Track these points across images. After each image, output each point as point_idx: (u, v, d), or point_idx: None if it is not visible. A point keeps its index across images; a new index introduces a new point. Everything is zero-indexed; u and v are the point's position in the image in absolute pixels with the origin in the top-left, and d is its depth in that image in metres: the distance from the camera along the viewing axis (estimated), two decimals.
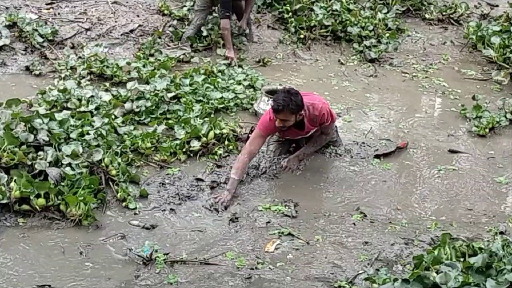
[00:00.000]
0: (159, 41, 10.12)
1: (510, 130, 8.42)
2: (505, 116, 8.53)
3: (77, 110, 7.82)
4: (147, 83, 8.64)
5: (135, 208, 6.47)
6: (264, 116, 7.04)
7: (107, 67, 9.03)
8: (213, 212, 6.53)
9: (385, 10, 11.39)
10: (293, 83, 9.38)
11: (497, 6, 12.12)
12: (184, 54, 9.85)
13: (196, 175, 7.03)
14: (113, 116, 7.67)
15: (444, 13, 11.77)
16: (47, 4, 10.50)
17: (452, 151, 7.91)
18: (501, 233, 6.27)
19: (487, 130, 8.28)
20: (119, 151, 7.02)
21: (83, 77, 8.89)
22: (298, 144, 7.50)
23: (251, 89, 8.98)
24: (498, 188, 7.21)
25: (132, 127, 7.64)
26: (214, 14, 10.46)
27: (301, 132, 7.17)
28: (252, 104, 8.58)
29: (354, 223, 6.45)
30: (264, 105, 8.18)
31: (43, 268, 5.59)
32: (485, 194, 7.10)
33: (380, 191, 7.07)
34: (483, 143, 8.14)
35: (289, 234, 6.20)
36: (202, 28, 10.20)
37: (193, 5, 10.49)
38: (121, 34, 10.19)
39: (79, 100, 8.05)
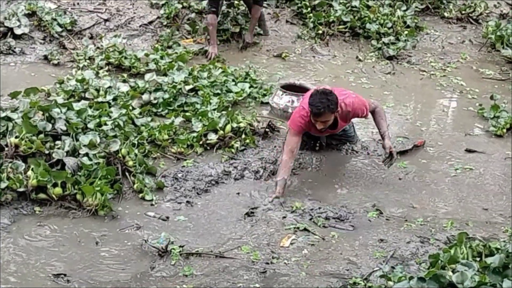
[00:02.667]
0: (177, 33, 10.14)
1: None
2: None
3: (95, 100, 7.86)
4: (165, 75, 8.67)
5: (151, 200, 6.49)
6: (295, 114, 6.98)
7: (125, 58, 9.07)
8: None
9: (404, 8, 11.34)
10: (311, 79, 9.39)
11: None
12: (201, 48, 9.87)
13: (212, 167, 7.05)
14: (130, 107, 7.69)
15: (463, 12, 11.70)
16: None
17: (469, 151, 7.88)
18: None
19: (504, 130, 8.24)
20: (136, 142, 7.04)
21: (101, 68, 8.92)
22: (316, 142, 7.47)
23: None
24: None
25: (149, 119, 7.66)
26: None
27: (334, 130, 7.16)
28: (264, 95, 8.62)
29: (369, 220, 6.43)
30: (278, 99, 8.18)
31: (58, 257, 5.61)
32: (502, 194, 7.07)
33: (396, 188, 7.05)
34: (500, 143, 8.11)
35: (305, 229, 6.19)
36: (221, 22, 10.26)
37: None
38: (140, 26, 10.22)
39: (97, 90, 8.09)
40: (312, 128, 6.94)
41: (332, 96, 6.67)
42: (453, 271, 4.84)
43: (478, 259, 5.22)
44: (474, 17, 11.67)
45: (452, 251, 5.24)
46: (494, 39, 10.72)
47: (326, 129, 6.93)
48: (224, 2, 10.30)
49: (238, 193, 6.75)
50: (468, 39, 11.18)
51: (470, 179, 7.31)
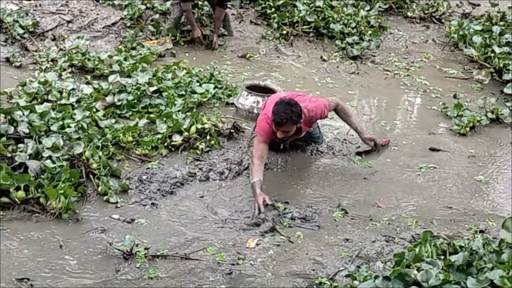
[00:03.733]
0: (140, 35, 10.09)
1: (491, 129, 8.48)
2: (485, 115, 8.58)
3: (58, 102, 7.78)
4: (129, 76, 8.61)
5: (116, 202, 6.43)
6: (261, 122, 6.97)
7: (89, 59, 9.00)
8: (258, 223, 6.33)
9: (367, 8, 11.43)
10: (276, 79, 9.40)
11: (478, 5, 12.20)
12: (166, 49, 9.84)
13: (177, 169, 7.02)
14: (94, 109, 7.62)
15: (426, 12, 11.83)
16: None
17: (432, 149, 7.93)
18: (481, 231, 6.30)
19: (467, 128, 8.32)
20: (100, 144, 6.98)
21: (64, 70, 8.85)
22: (279, 145, 7.48)
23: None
24: (478, 187, 7.23)
25: (113, 121, 7.60)
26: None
27: (298, 135, 7.19)
28: (229, 95, 8.64)
29: (335, 220, 6.45)
30: (244, 100, 8.17)
31: (22, 261, 5.53)
32: (465, 192, 7.12)
33: (361, 188, 7.07)
34: (464, 141, 8.18)
35: (270, 230, 6.19)
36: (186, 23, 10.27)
37: None
38: (103, 27, 10.15)
39: (60, 92, 8.01)
40: (275, 136, 6.98)
41: (297, 108, 6.72)
42: (418, 270, 4.86)
43: (442, 257, 5.26)
44: (437, 17, 11.80)
45: (417, 250, 5.27)
46: (457, 38, 10.83)
47: (288, 138, 7.00)
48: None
49: (202, 197, 6.71)
50: (431, 39, 11.28)
51: (434, 177, 7.36)
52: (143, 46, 9.73)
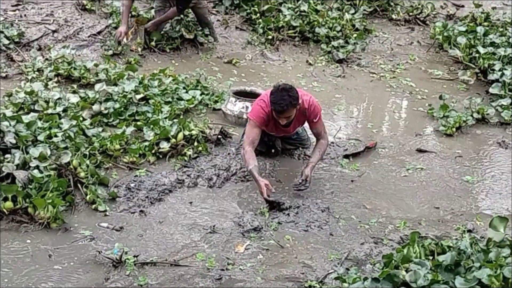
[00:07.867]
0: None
1: (477, 129, 8.52)
2: (471, 115, 8.62)
3: (45, 112, 7.75)
4: (115, 84, 8.61)
5: (105, 210, 6.43)
6: (255, 106, 7.03)
7: (75, 69, 8.98)
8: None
9: (352, 11, 11.45)
10: (262, 84, 9.40)
11: (462, 6, 12.26)
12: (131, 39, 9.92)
13: (165, 176, 7.02)
14: (81, 118, 7.60)
15: (410, 14, 11.87)
16: (13, 6, 10.41)
17: (420, 151, 7.97)
18: (469, 231, 6.34)
19: (454, 129, 8.36)
20: (87, 153, 6.97)
21: (50, 79, 8.83)
22: (271, 148, 7.48)
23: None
24: (465, 187, 7.27)
25: (100, 129, 7.59)
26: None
27: (287, 129, 7.17)
28: (216, 101, 8.65)
29: (323, 222, 6.44)
30: (232, 106, 8.19)
31: (11, 271, 5.53)
32: (453, 193, 7.16)
33: (349, 190, 7.09)
34: (450, 142, 8.22)
35: (259, 234, 6.20)
36: (171, 30, 10.27)
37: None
38: (89, 36, 10.13)
39: (47, 102, 7.99)
40: (271, 122, 6.98)
41: (293, 92, 6.72)
42: (407, 270, 4.89)
43: (430, 257, 5.29)
44: (422, 19, 11.84)
45: (405, 251, 5.29)
46: (442, 39, 10.88)
47: (290, 122, 6.96)
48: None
49: (190, 203, 6.71)
50: (416, 41, 11.32)
51: (422, 178, 7.39)
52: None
